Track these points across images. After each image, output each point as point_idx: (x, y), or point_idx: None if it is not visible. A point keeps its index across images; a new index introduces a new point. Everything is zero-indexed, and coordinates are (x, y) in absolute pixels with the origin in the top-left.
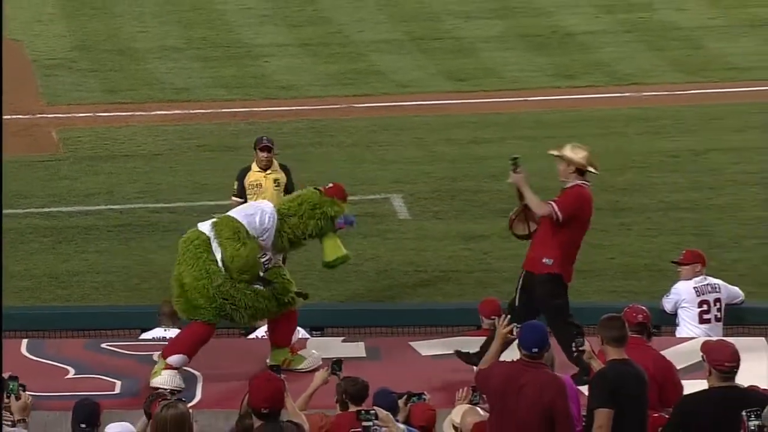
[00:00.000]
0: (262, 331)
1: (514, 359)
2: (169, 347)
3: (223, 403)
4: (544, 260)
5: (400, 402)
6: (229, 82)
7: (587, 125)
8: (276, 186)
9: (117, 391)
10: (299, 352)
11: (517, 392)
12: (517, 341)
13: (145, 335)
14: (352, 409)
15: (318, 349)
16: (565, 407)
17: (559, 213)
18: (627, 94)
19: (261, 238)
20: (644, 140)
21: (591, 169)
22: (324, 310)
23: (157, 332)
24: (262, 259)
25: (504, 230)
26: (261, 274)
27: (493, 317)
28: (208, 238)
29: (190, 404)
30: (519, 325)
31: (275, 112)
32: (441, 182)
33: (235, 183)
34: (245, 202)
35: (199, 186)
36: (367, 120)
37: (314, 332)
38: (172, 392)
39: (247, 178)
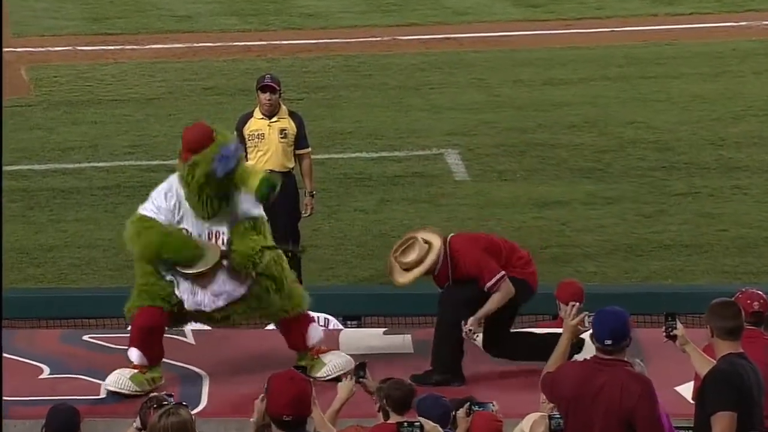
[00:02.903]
0: None
1: (587, 358)
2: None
3: (234, 409)
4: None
5: (460, 412)
6: (241, 9)
7: (691, 63)
8: (282, 137)
9: (102, 395)
10: (321, 356)
11: (593, 397)
12: (589, 334)
13: (271, 326)
14: (393, 419)
15: (354, 343)
16: (651, 412)
17: (493, 282)
18: (742, 23)
19: (184, 226)
20: (764, 81)
21: (435, 242)
22: (361, 295)
23: None
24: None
25: (587, 195)
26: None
27: (573, 303)
28: None
29: (193, 411)
30: (591, 314)
31: (299, 46)
32: (507, 134)
33: (234, 133)
34: (246, 157)
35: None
36: (414, 57)
37: (349, 322)
38: (168, 395)
39: (247, 126)
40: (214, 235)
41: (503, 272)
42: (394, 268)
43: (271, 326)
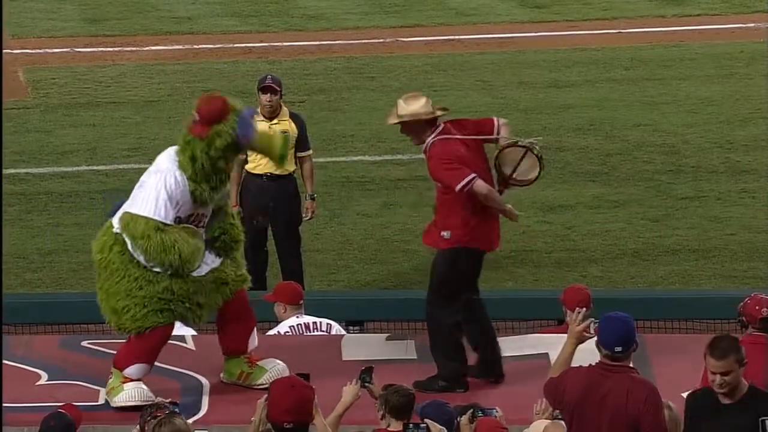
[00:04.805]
0: (285, 327)
1: (592, 364)
2: (123, 355)
3: (235, 416)
4: (442, 233)
5: (464, 418)
6: (242, 10)
7: (699, 65)
8: None
9: (101, 401)
10: (259, 363)
11: (599, 404)
12: (595, 340)
13: (273, 331)
14: (394, 427)
15: (357, 348)
16: (657, 419)
17: (462, 185)
18: (750, 25)
19: (178, 214)
20: None
21: (439, 112)
22: (363, 299)
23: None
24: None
25: (593, 199)
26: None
27: (579, 309)
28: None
29: (194, 418)
30: (596, 320)
31: (301, 48)
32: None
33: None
34: (246, 160)
35: None
36: (417, 58)
37: (351, 327)
38: (173, 403)
39: None
40: (196, 218)
41: (472, 175)
42: (399, 103)
43: (272, 332)
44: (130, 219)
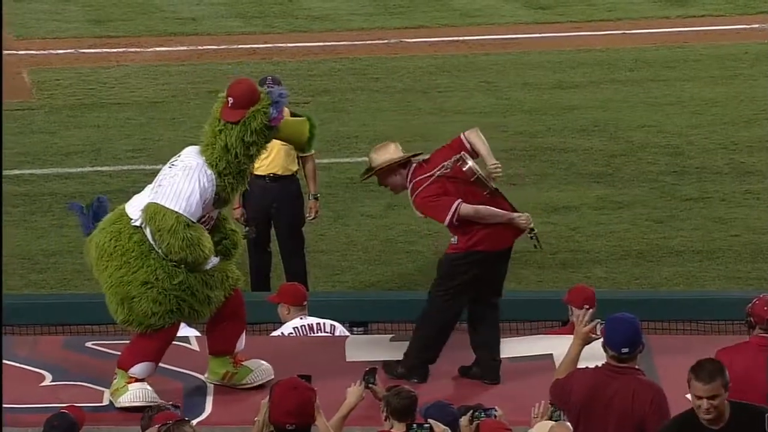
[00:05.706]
0: (289, 328)
1: (598, 365)
2: (128, 355)
3: (239, 417)
4: (451, 239)
5: (464, 419)
6: (246, 11)
7: (703, 66)
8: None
9: (105, 402)
10: (244, 363)
11: (605, 406)
12: (601, 341)
13: (276, 333)
14: (397, 428)
15: (361, 349)
16: (662, 419)
17: (449, 217)
18: (754, 26)
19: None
20: None
21: (409, 155)
22: (367, 301)
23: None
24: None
25: (597, 200)
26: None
27: (586, 308)
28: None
29: (197, 419)
30: (602, 322)
31: (305, 49)
32: (516, 138)
33: None
34: None
35: None
36: (422, 59)
37: (355, 328)
38: (175, 405)
39: None
40: (207, 220)
41: (457, 201)
42: (372, 158)
43: (276, 333)
44: (157, 210)
